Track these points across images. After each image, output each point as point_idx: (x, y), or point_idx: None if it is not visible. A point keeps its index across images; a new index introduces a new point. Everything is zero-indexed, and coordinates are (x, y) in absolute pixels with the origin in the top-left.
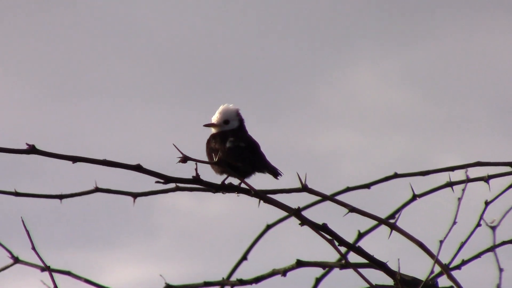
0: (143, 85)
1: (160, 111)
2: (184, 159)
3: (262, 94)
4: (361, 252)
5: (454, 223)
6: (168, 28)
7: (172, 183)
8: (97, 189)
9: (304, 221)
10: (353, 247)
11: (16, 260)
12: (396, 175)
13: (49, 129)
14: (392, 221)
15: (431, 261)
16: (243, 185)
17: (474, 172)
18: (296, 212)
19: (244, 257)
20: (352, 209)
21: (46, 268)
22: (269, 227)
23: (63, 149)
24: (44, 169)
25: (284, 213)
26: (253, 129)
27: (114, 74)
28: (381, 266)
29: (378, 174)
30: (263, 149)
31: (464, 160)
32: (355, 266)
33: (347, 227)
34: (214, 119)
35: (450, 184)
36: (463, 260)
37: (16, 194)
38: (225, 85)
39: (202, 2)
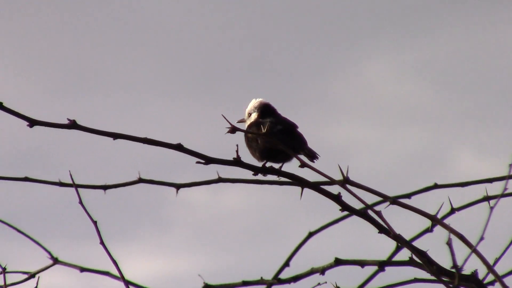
0: (171, 80)
1: (177, 106)
2: (233, 129)
3: (277, 88)
4: (401, 240)
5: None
6: (182, 22)
7: (212, 165)
8: (141, 180)
9: (345, 207)
10: (393, 235)
11: (56, 261)
12: (436, 186)
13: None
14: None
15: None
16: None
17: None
18: (337, 198)
19: (286, 264)
20: (393, 202)
21: (85, 269)
22: (311, 234)
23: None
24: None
25: (298, 218)
26: None
27: (146, 67)
28: (422, 255)
29: (393, 167)
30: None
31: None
32: (393, 264)
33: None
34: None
35: (487, 198)
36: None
37: (61, 184)
38: (242, 79)
39: None
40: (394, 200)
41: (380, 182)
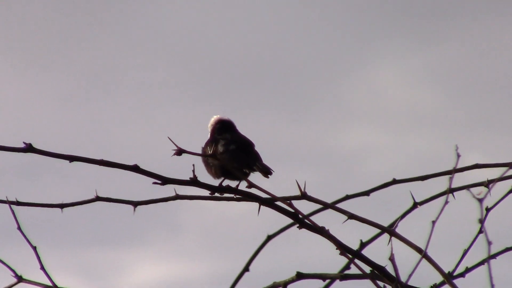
0: (169, 85)
1: (183, 112)
2: (179, 151)
3: (286, 92)
4: (359, 256)
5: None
6: (191, 26)
7: (171, 188)
8: (98, 198)
9: (302, 224)
10: (351, 251)
11: (20, 279)
12: (394, 181)
13: (59, 130)
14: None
15: (432, 268)
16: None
17: (475, 175)
18: (294, 215)
19: (246, 269)
20: (351, 216)
21: (51, 286)
22: (270, 237)
23: (73, 150)
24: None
25: (286, 220)
26: (277, 128)
27: (127, 76)
28: (380, 270)
29: (402, 172)
30: (265, 147)
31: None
32: (355, 277)
33: (348, 237)
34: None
35: (451, 191)
36: (466, 267)
37: (18, 203)
38: (248, 84)
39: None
40: (352, 215)
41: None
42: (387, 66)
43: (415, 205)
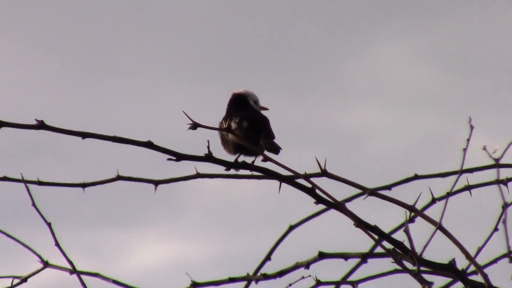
0: (172, 63)
1: (190, 90)
2: (194, 125)
3: (288, 71)
4: (378, 231)
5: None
6: (192, 4)
7: (185, 166)
8: (119, 177)
9: (320, 200)
10: (370, 227)
11: (46, 264)
12: (416, 177)
13: (73, 107)
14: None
15: (450, 245)
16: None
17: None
18: (311, 191)
19: (267, 257)
20: (371, 193)
21: (75, 271)
22: (292, 227)
23: (86, 128)
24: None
25: (307, 206)
26: (279, 106)
27: (140, 52)
28: (398, 245)
29: (405, 151)
30: (280, 125)
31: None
32: (376, 256)
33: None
34: None
35: (468, 188)
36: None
37: (39, 183)
38: (252, 62)
39: None
40: (372, 192)
41: (392, 166)
42: (391, 44)
43: (434, 200)
